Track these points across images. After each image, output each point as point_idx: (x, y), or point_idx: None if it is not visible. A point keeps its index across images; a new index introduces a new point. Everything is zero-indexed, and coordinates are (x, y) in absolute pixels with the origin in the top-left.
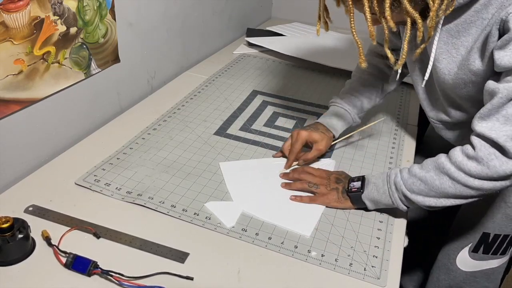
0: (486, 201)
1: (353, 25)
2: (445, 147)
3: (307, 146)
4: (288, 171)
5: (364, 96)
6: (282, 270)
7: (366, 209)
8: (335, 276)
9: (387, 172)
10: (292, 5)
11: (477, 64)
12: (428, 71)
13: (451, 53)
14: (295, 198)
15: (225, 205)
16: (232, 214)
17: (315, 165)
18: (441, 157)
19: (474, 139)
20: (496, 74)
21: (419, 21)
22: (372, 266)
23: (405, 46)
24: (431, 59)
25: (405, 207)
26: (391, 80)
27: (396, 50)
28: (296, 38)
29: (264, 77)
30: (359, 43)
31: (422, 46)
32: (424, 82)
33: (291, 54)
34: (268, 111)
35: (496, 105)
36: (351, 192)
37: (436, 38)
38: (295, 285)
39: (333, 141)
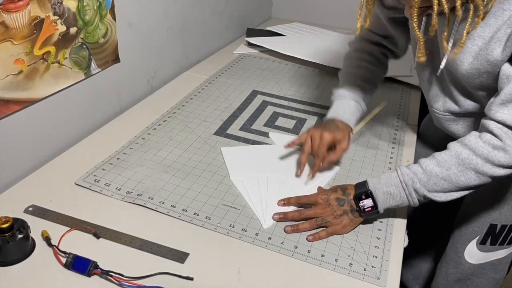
0: (491, 193)
1: (415, 19)
2: (441, 140)
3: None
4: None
5: (367, 84)
6: (282, 270)
7: None
8: (335, 276)
9: (399, 178)
10: (292, 5)
11: (495, 54)
12: (444, 60)
13: (465, 43)
14: (313, 238)
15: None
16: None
17: (317, 180)
18: (462, 152)
19: (495, 128)
20: (511, 59)
21: (482, 7)
22: (372, 266)
23: (465, 33)
24: (448, 49)
25: (418, 203)
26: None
27: (388, 38)
28: (296, 38)
29: (264, 77)
30: (420, 38)
31: (446, 34)
32: (439, 71)
33: (291, 54)
34: (268, 111)
35: None
36: (365, 213)
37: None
38: (295, 285)
39: (352, 135)
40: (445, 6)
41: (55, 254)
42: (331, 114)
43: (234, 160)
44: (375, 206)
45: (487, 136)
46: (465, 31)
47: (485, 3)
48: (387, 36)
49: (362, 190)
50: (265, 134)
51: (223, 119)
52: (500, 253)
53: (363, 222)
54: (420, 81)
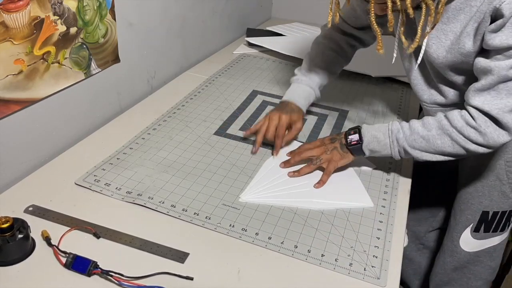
0: (481, 181)
1: (373, 13)
2: None
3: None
4: (277, 156)
5: (326, 72)
6: (282, 270)
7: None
8: (335, 276)
9: (388, 126)
10: (292, 5)
11: (467, 47)
12: (420, 57)
13: (440, 38)
14: (318, 185)
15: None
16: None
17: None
18: (443, 119)
19: (471, 109)
20: (484, 51)
21: (433, 7)
22: (372, 266)
23: (419, 30)
24: (423, 45)
25: (399, 158)
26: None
27: (363, 29)
28: (296, 38)
29: (264, 77)
30: (378, 31)
31: (426, 31)
32: (416, 66)
33: (291, 54)
34: (268, 111)
35: (489, 83)
36: (351, 145)
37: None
38: (295, 285)
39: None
40: (398, 3)
41: (55, 254)
42: (286, 96)
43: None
44: (360, 142)
45: (465, 113)
46: (419, 28)
47: (435, 3)
48: (361, 28)
49: (354, 128)
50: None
51: (223, 119)
52: (494, 240)
53: (363, 222)
54: (408, 76)
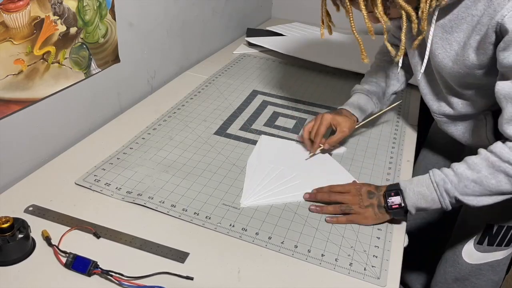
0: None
1: (353, 24)
2: (450, 142)
3: (332, 131)
4: (311, 155)
5: (384, 81)
6: (282, 270)
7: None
8: (335, 276)
9: (431, 178)
10: (292, 5)
11: (471, 59)
12: (424, 64)
13: (445, 48)
14: (331, 220)
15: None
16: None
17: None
18: (490, 156)
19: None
20: (495, 70)
21: (412, 13)
22: (372, 266)
23: (402, 38)
24: (426, 54)
25: (451, 207)
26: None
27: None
28: (296, 38)
29: (264, 77)
30: (359, 40)
31: (420, 37)
32: (420, 75)
33: (291, 54)
34: (268, 111)
35: None
36: (392, 209)
37: (431, 33)
38: (295, 285)
39: (356, 125)
40: (376, 11)
41: (55, 254)
42: (342, 106)
43: (262, 148)
44: (403, 205)
45: (511, 145)
46: (402, 35)
47: (418, 11)
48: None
49: (393, 188)
50: (265, 134)
51: (223, 119)
52: (498, 255)
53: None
54: (418, 86)
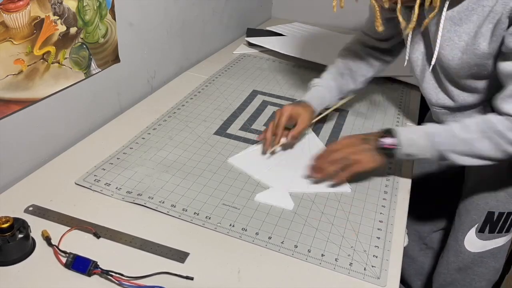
0: (487, 182)
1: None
2: None
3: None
4: (274, 149)
5: (343, 77)
6: (282, 270)
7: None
8: (335, 276)
9: (423, 128)
10: (292, 5)
11: (482, 48)
12: (434, 58)
13: (453, 40)
14: (337, 180)
15: (272, 193)
16: (285, 198)
17: (302, 144)
18: (483, 122)
19: (505, 116)
20: (504, 55)
21: None
22: (372, 266)
23: (416, 9)
24: (437, 47)
25: (434, 160)
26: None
27: (386, 40)
28: (296, 38)
29: (264, 77)
30: (376, 8)
31: (431, 15)
32: (430, 68)
33: (291, 54)
34: (268, 111)
35: None
36: (386, 149)
37: (441, 26)
38: (295, 285)
39: (315, 117)
40: None
41: (55, 254)
42: (301, 98)
43: (254, 168)
44: (395, 146)
45: (503, 119)
46: (416, 6)
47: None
48: (385, 39)
49: (387, 131)
50: None
51: (223, 119)
52: (499, 241)
53: (363, 222)
54: (415, 77)
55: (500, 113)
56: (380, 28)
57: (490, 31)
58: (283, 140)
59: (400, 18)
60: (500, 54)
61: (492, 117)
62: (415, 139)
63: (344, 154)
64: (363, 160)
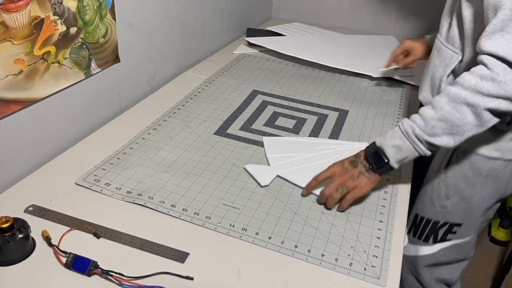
0: (424, 184)
1: None
2: None
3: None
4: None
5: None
6: (282, 270)
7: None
8: (335, 276)
9: (400, 128)
10: (292, 5)
11: None
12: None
13: None
14: (340, 209)
15: (262, 168)
16: (267, 175)
17: (348, 149)
18: (451, 89)
19: (485, 58)
20: None
21: None
22: (372, 266)
23: None
24: None
25: (429, 152)
26: None
27: None
28: (296, 38)
29: (264, 77)
30: None
31: None
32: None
33: (291, 54)
34: (268, 111)
35: (501, 19)
36: (380, 168)
37: None
38: (295, 285)
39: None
40: None
41: (55, 254)
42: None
43: (274, 149)
44: (386, 161)
45: (477, 68)
46: None
47: None
48: None
49: (371, 149)
50: (265, 134)
51: (223, 119)
52: (425, 250)
53: (363, 222)
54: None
55: (481, 52)
56: None
57: None
58: (393, 65)
59: None
60: None
61: (461, 77)
62: (397, 144)
63: (340, 183)
64: (359, 185)
